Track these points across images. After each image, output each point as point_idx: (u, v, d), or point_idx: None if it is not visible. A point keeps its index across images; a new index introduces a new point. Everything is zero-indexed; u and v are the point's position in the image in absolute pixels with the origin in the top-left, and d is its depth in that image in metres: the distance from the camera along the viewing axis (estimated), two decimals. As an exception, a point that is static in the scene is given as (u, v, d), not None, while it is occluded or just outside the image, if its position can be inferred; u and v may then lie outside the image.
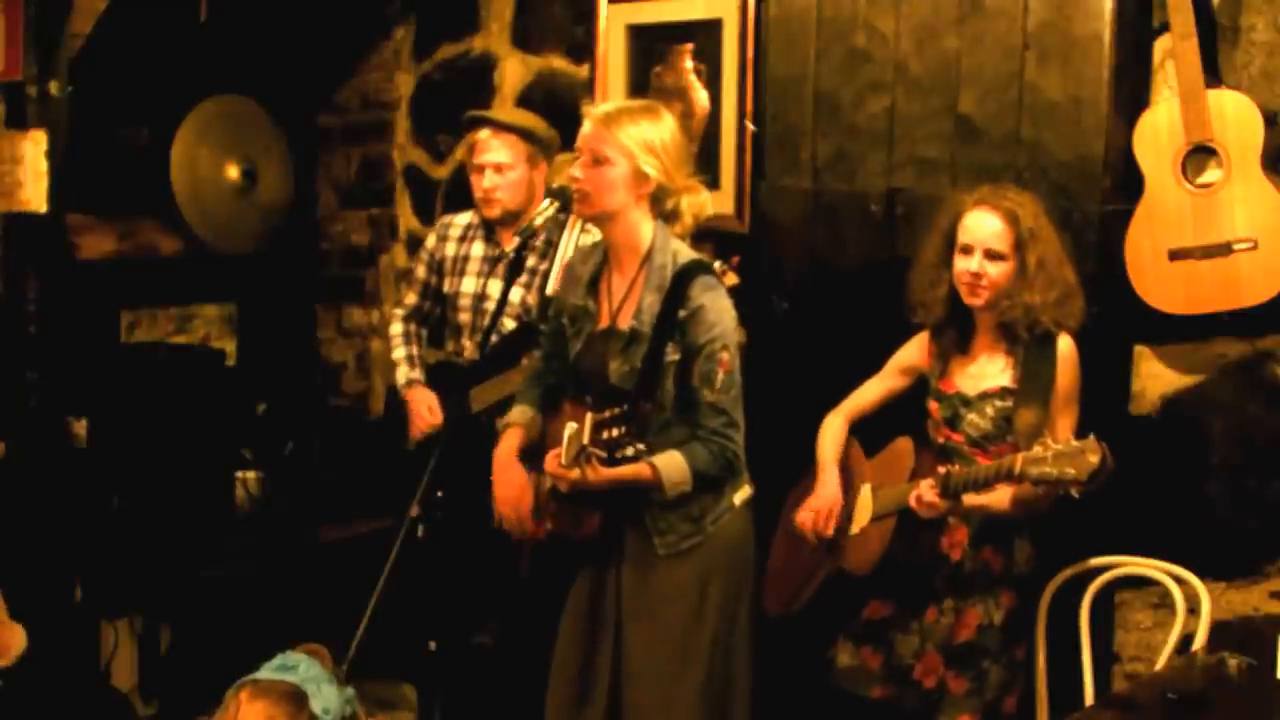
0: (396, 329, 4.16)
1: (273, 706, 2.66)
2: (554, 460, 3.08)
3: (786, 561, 3.51)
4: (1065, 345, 3.16)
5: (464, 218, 4.10)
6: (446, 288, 4.05)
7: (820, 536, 3.34)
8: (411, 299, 4.16)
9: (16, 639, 3.87)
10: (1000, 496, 3.12)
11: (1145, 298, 3.37)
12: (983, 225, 3.14)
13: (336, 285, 5.38)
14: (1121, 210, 3.40)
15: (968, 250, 3.16)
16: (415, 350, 4.13)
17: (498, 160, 3.89)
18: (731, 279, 3.43)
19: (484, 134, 3.91)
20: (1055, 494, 2.98)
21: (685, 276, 3.11)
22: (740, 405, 3.14)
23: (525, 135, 3.93)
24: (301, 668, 2.73)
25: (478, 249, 4.03)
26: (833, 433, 3.45)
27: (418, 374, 4.08)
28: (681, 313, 3.09)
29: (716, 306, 3.11)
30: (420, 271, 4.14)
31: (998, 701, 3.21)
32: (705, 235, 3.44)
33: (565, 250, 3.78)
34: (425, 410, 3.97)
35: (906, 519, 3.20)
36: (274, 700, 2.67)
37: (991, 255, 3.13)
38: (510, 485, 3.32)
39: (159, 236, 4.76)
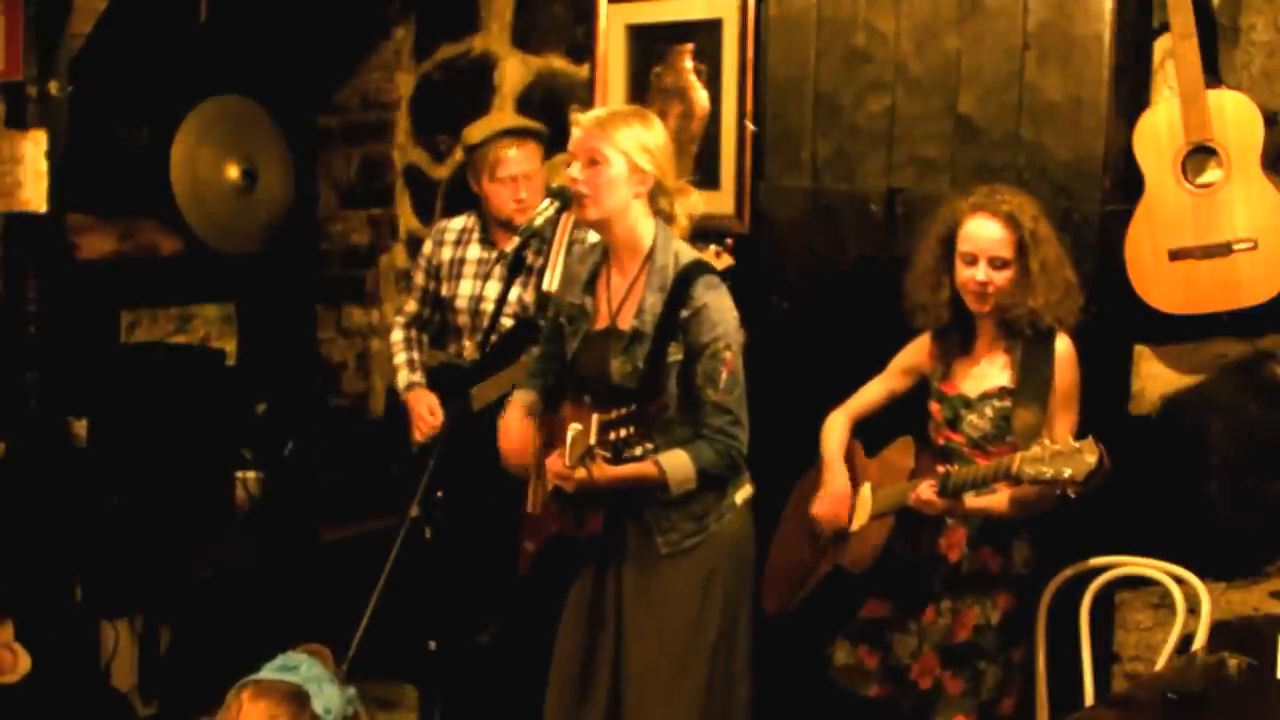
0: (397, 336, 4.18)
1: (275, 706, 2.65)
2: (558, 461, 3.07)
3: (786, 560, 3.51)
4: (1063, 345, 3.15)
5: (458, 222, 4.12)
6: (444, 291, 4.07)
7: (836, 528, 3.34)
8: (411, 306, 4.19)
9: (22, 660, 3.90)
10: (999, 498, 3.12)
11: (1145, 298, 3.37)
12: (985, 233, 3.13)
13: (336, 285, 5.37)
14: (1121, 210, 3.40)
15: (972, 260, 3.14)
16: (416, 355, 4.15)
17: (527, 170, 3.95)
18: (727, 260, 3.44)
19: (511, 150, 3.94)
20: (1054, 494, 2.98)
21: (688, 276, 3.11)
22: (744, 404, 3.14)
23: (540, 138, 4.01)
24: (303, 668, 2.72)
25: (473, 251, 4.04)
26: (836, 430, 3.45)
27: (418, 377, 4.09)
28: (684, 312, 3.09)
29: (719, 306, 3.11)
30: (418, 278, 4.16)
31: (994, 703, 3.21)
32: (703, 235, 3.44)
33: (559, 246, 3.79)
34: (426, 412, 3.99)
35: (905, 519, 3.20)
36: (276, 700, 2.67)
37: (996, 263, 3.12)
38: (513, 437, 3.34)
39: (159, 236, 4.75)
